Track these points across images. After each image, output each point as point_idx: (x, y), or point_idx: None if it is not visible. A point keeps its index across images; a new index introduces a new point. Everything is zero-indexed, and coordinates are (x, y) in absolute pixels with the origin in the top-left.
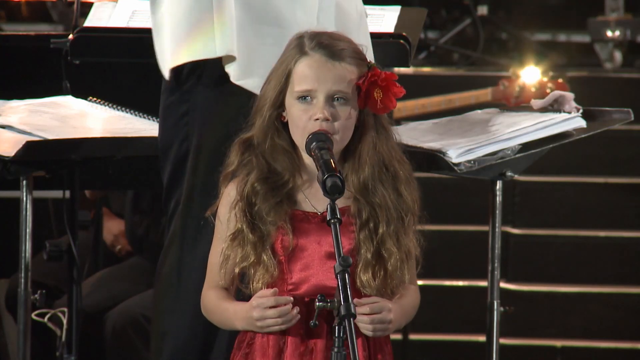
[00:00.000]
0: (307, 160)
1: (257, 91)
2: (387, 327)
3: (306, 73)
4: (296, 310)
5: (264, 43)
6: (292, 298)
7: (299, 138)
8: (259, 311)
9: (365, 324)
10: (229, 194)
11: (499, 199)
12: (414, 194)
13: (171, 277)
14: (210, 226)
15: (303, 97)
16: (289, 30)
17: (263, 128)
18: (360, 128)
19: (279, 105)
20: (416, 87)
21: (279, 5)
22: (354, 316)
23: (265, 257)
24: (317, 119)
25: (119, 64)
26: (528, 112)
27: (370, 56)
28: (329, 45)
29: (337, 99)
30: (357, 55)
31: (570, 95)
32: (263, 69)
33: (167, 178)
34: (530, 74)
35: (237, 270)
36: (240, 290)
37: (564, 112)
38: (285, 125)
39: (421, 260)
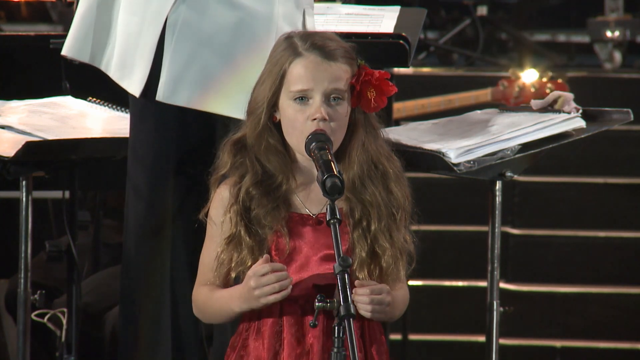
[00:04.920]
0: (300, 161)
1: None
2: (384, 309)
3: (302, 73)
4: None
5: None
6: (285, 266)
7: (294, 139)
8: (256, 279)
9: (364, 304)
10: (222, 196)
11: (498, 199)
12: (405, 191)
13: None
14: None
15: (300, 98)
16: None
17: (258, 130)
18: (351, 126)
19: (273, 105)
20: (416, 87)
21: None
22: (354, 316)
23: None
24: (315, 119)
25: None
26: (528, 112)
27: None
28: (322, 45)
29: (334, 99)
30: (349, 55)
31: (569, 95)
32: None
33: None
34: (530, 75)
35: (233, 274)
36: None
37: (564, 112)
38: (277, 126)
39: (415, 259)
